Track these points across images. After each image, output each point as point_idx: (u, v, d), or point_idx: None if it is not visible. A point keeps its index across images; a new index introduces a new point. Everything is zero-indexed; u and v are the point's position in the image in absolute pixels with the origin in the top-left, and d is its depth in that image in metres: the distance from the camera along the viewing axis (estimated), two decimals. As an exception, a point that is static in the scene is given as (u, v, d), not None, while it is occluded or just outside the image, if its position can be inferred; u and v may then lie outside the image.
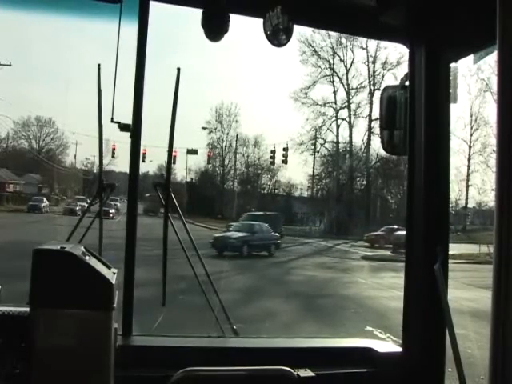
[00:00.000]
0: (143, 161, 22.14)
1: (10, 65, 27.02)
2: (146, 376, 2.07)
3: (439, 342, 2.19)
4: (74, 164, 38.57)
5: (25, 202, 32.51)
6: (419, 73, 2.32)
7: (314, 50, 35.10)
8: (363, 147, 35.13)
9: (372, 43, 33.63)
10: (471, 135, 33.25)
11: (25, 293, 1.74)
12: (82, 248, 1.90)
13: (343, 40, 34.28)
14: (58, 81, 43.75)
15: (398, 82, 2.43)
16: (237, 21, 2.21)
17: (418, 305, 2.31)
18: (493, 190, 1.01)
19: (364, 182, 35.77)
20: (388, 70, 33.97)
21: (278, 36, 2.21)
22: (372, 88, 34.91)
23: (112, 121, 2.42)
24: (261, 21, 2.19)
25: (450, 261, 2.27)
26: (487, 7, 1.08)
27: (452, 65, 2.28)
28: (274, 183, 39.12)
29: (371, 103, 34.54)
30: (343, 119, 35.55)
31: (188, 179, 37.31)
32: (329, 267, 19.92)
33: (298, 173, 40.08)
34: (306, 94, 35.35)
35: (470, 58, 2.24)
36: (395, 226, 27.76)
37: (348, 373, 2.28)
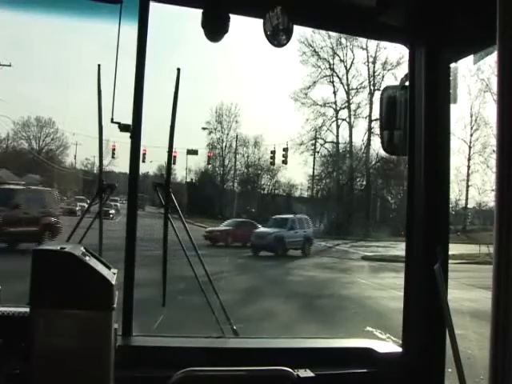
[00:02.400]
0: (143, 161, 22.16)
1: (9, 65, 26.99)
2: (146, 376, 2.07)
3: (439, 342, 2.19)
4: (74, 164, 38.54)
5: (25, 203, 32.44)
6: (419, 73, 2.32)
7: (314, 51, 35.12)
8: (363, 147, 35.14)
9: (372, 43, 33.67)
10: (471, 135, 33.28)
11: (25, 293, 1.74)
12: (82, 248, 1.89)
13: (343, 40, 34.32)
14: (57, 81, 43.65)
15: (398, 83, 2.43)
16: (237, 21, 2.21)
17: (418, 305, 2.31)
18: (493, 190, 1.01)
19: (364, 183, 35.77)
20: (388, 70, 34.00)
21: (277, 36, 2.21)
22: (372, 88, 34.94)
23: (112, 121, 2.43)
24: (261, 21, 2.19)
25: (450, 261, 2.27)
26: (487, 7, 1.08)
27: (452, 65, 2.28)
28: (274, 183, 39.09)
29: (371, 103, 34.57)
30: (343, 119, 35.58)
31: (188, 179, 37.32)
32: (328, 267, 19.90)
33: (298, 173, 40.14)
34: (305, 94, 35.38)
35: (470, 58, 2.24)
36: (256, 224, 23.65)
37: (348, 373, 2.28)
